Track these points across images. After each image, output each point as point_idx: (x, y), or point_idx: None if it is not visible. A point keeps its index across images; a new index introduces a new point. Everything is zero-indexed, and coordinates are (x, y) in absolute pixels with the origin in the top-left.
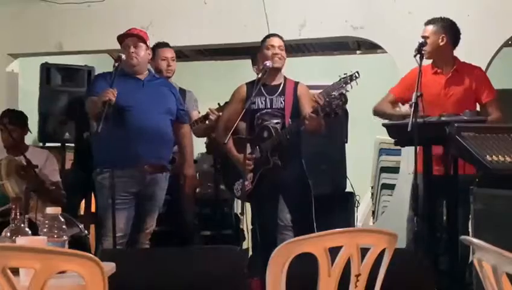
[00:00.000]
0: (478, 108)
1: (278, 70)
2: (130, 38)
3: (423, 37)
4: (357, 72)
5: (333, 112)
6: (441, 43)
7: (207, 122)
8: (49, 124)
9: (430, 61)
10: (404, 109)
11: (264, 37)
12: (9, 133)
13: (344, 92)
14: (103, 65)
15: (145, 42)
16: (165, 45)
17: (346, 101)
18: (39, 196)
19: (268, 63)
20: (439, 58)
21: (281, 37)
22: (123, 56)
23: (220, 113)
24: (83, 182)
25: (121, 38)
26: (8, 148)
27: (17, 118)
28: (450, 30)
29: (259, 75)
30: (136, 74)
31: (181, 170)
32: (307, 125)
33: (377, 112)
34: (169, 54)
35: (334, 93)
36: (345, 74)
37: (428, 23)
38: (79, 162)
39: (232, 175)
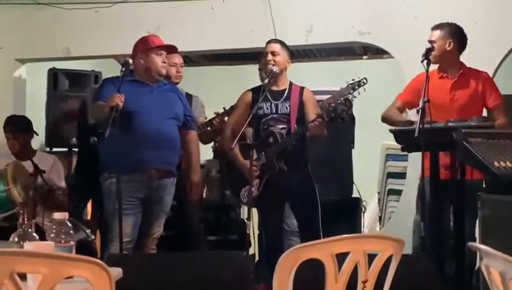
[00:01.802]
0: (485, 113)
1: (276, 75)
2: (163, 48)
3: (430, 41)
4: (365, 78)
5: (338, 117)
6: (448, 48)
7: (210, 127)
8: (56, 129)
9: (436, 65)
10: (411, 113)
11: None
12: (15, 139)
13: (351, 97)
14: (110, 70)
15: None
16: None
17: (351, 107)
18: (43, 201)
19: (274, 69)
20: (445, 62)
21: (280, 42)
22: (130, 61)
23: (226, 118)
24: (87, 186)
25: (152, 46)
26: (16, 154)
27: (21, 124)
28: (457, 35)
29: (266, 80)
30: (148, 81)
31: (187, 176)
32: (310, 131)
33: (385, 119)
34: (178, 60)
35: (341, 99)
36: (352, 80)
37: (435, 27)
38: (83, 167)
39: (238, 181)
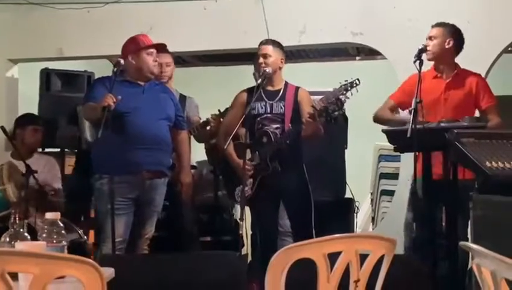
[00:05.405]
0: (477, 114)
1: (269, 75)
2: (153, 47)
3: (430, 37)
4: (358, 79)
5: (329, 116)
6: (447, 46)
7: (207, 128)
8: (48, 130)
9: (429, 66)
10: (404, 114)
11: None
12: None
13: (343, 98)
14: (103, 70)
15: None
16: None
17: (342, 106)
18: (36, 202)
19: (267, 69)
20: (441, 61)
21: (272, 42)
22: (122, 61)
23: (221, 119)
24: (84, 187)
25: (143, 46)
26: (16, 152)
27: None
28: (457, 36)
29: (259, 81)
30: (140, 81)
31: (178, 177)
32: (305, 130)
33: (377, 118)
34: (163, 59)
35: (333, 99)
36: (345, 81)
37: (437, 25)
38: (79, 168)
39: (233, 181)
